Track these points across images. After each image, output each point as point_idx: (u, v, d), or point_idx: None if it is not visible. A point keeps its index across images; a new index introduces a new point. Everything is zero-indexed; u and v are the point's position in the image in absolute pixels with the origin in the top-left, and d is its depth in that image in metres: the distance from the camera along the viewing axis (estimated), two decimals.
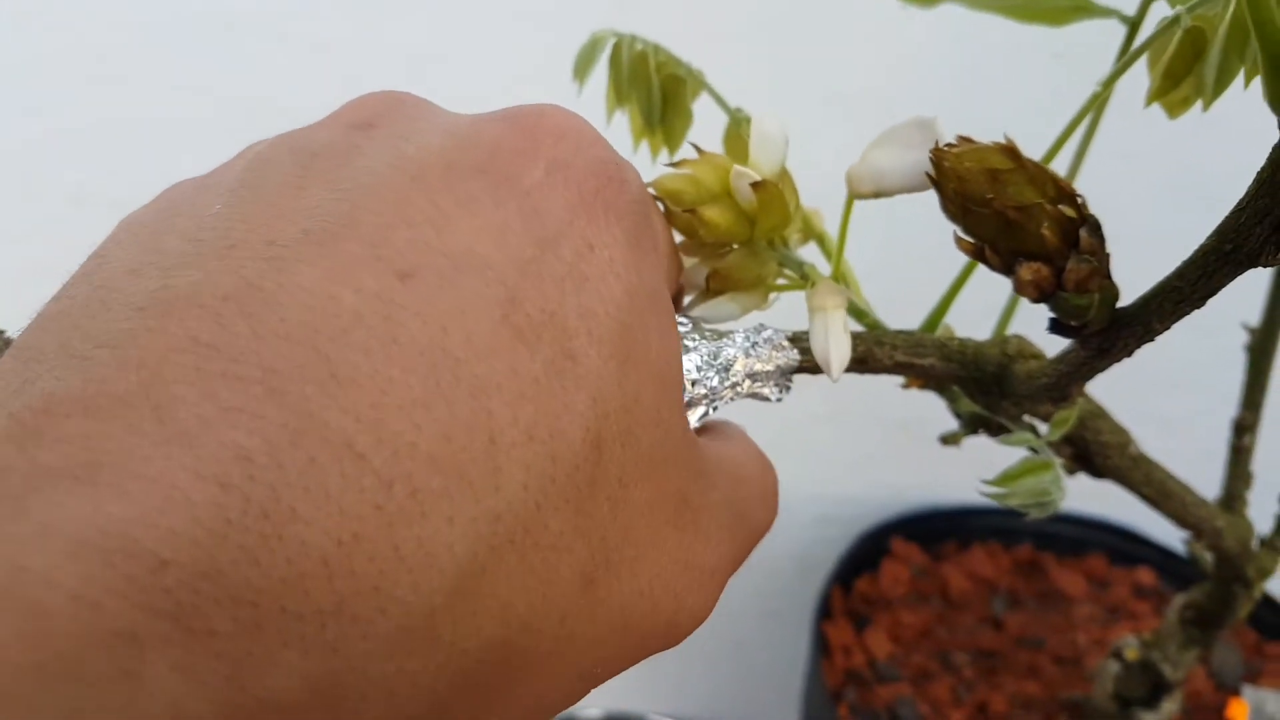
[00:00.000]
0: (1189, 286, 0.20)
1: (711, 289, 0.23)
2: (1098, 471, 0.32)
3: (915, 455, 0.63)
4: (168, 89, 0.48)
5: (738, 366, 0.24)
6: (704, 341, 0.24)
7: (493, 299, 0.14)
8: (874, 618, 0.56)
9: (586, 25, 0.28)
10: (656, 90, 0.27)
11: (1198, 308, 0.20)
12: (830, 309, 0.22)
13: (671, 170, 0.22)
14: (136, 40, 0.48)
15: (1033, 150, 0.21)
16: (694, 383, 0.23)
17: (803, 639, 0.63)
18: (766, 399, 0.25)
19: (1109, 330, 0.22)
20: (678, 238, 0.23)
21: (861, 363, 0.25)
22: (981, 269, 0.24)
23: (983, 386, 0.26)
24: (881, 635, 0.55)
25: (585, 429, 0.15)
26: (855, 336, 0.25)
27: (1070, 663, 0.55)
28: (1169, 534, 0.61)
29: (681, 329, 0.24)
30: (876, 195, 0.22)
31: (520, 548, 0.14)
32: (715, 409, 0.24)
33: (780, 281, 0.24)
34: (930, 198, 0.24)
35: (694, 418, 0.24)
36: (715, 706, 0.71)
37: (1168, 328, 0.21)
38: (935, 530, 0.61)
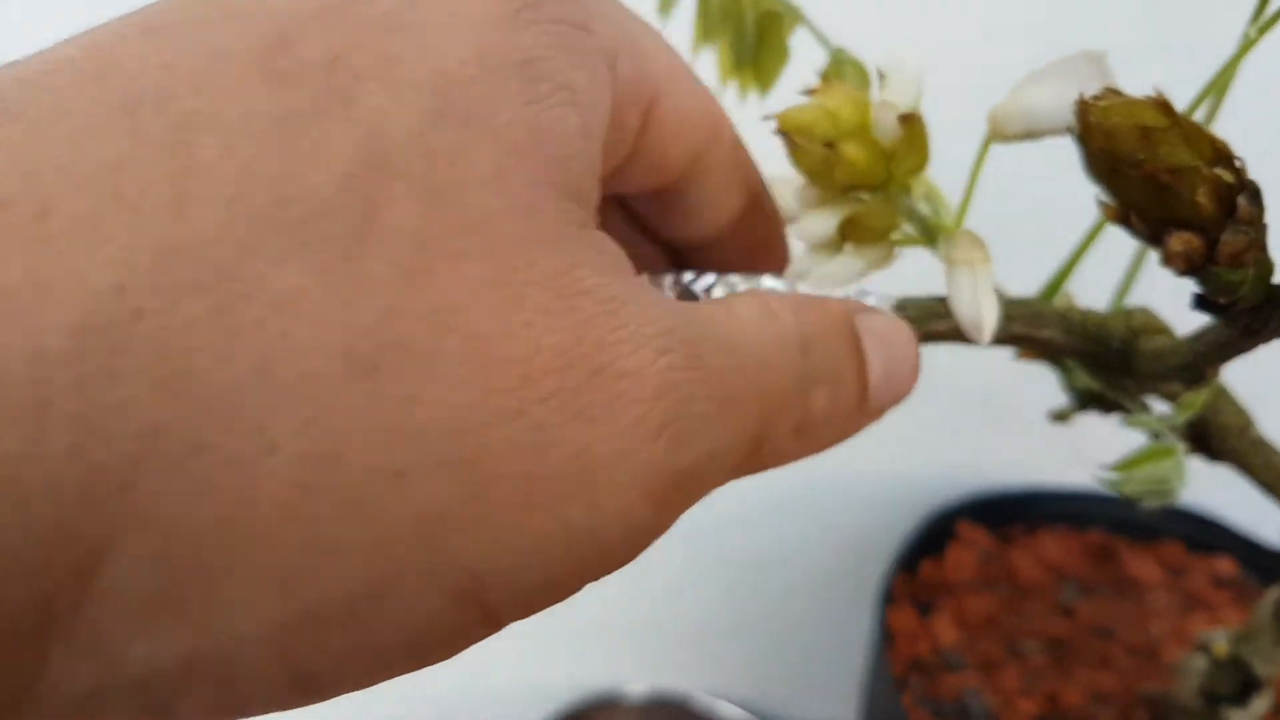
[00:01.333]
0: None
1: (835, 243, 0.21)
2: (1214, 454, 0.29)
3: (986, 434, 0.61)
4: None
5: None
6: None
7: (253, 42, 0.13)
8: (939, 603, 0.54)
9: None
10: (750, 26, 0.25)
11: None
12: (978, 262, 0.20)
13: (799, 102, 0.20)
14: None
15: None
16: None
17: (857, 623, 0.61)
18: None
19: (1261, 308, 0.20)
20: (796, 183, 0.21)
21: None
22: (1108, 232, 0.22)
23: (1104, 363, 0.24)
24: (947, 622, 0.53)
25: (340, 172, 0.12)
26: None
27: (1145, 654, 0.52)
28: (1251, 522, 0.58)
29: (782, 289, 0.22)
30: (1024, 137, 0.19)
31: (213, 295, 0.11)
32: None
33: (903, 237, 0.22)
34: (1043, 149, 0.22)
35: None
36: (763, 689, 0.69)
37: None
38: (1003, 513, 0.59)
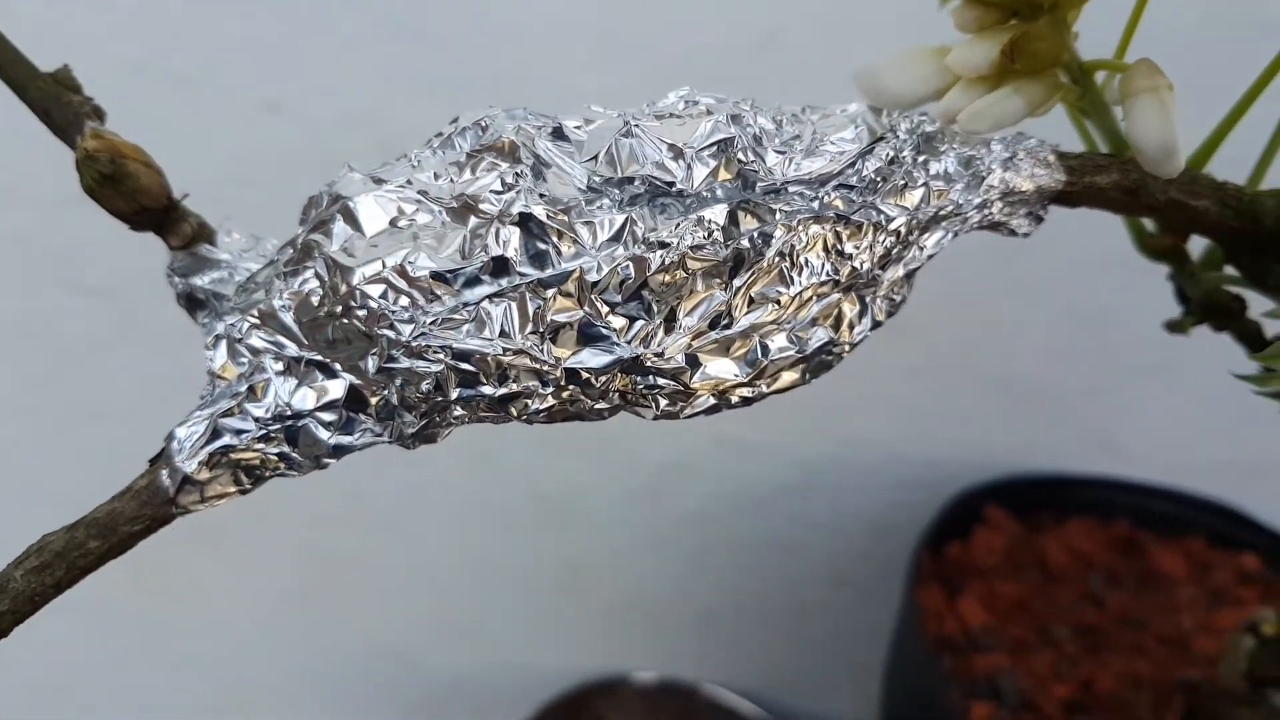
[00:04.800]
0: None
1: (989, 75, 0.19)
2: None
3: (1013, 417, 0.59)
4: None
5: (992, 180, 0.20)
6: (955, 147, 0.21)
7: None
8: (967, 585, 0.53)
9: None
10: None
11: None
12: (1163, 89, 0.18)
13: None
14: None
15: None
16: (939, 194, 0.20)
17: (875, 606, 0.59)
18: (1014, 232, 0.22)
19: None
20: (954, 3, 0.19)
21: (1132, 193, 0.21)
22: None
23: (1256, 244, 0.23)
24: (975, 603, 0.51)
25: None
26: (1125, 161, 0.22)
27: (1176, 644, 0.51)
28: (1276, 517, 0.57)
29: (929, 127, 0.20)
30: None
31: None
32: (956, 234, 0.21)
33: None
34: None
35: (931, 242, 0.20)
36: (774, 676, 0.67)
37: None
38: (1030, 499, 0.58)
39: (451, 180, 0.17)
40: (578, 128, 0.18)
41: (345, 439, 0.18)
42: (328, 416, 0.18)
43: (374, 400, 0.18)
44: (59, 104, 0.22)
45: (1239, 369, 0.23)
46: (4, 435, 0.54)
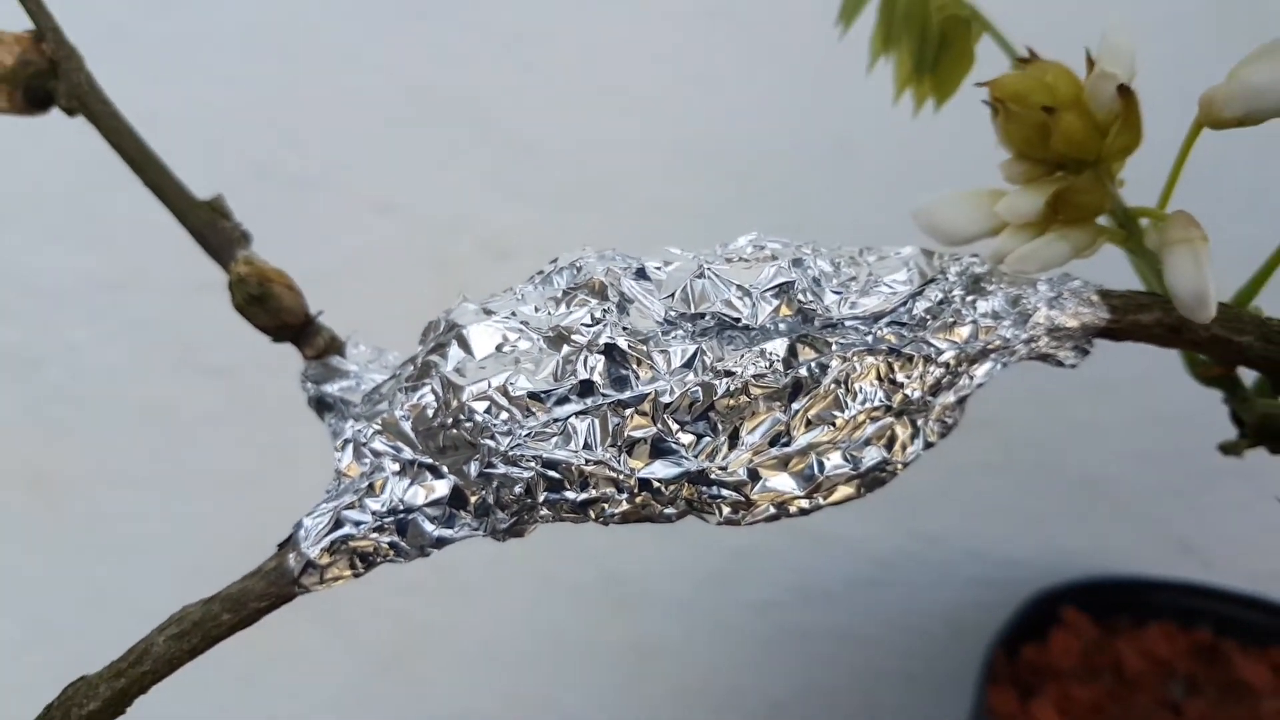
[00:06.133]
0: None
1: (1034, 222, 0.21)
2: None
3: (1092, 519, 0.59)
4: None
5: (1038, 318, 0.22)
6: (1003, 287, 0.23)
7: None
8: (1041, 688, 0.52)
9: None
10: (934, 31, 0.26)
11: None
12: (1197, 240, 0.20)
13: (1012, 72, 0.21)
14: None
15: None
16: (986, 330, 0.22)
17: (947, 706, 0.59)
18: (1061, 364, 0.23)
19: None
20: (1000, 157, 0.21)
21: (1175, 330, 0.23)
22: None
23: None
24: (1049, 707, 0.51)
25: None
26: (1164, 301, 0.23)
27: None
28: None
29: (978, 269, 0.22)
30: (1241, 123, 0.20)
31: None
32: (1005, 365, 0.22)
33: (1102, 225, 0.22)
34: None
35: (981, 372, 0.22)
36: None
37: None
38: (1108, 602, 0.57)
39: (549, 313, 0.20)
40: (658, 268, 0.21)
41: (447, 532, 0.20)
42: (434, 512, 0.20)
43: (473, 499, 0.20)
44: (214, 229, 0.26)
45: None
46: (130, 505, 0.59)
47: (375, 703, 0.66)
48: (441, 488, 0.20)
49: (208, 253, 0.26)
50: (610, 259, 0.21)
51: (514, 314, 0.20)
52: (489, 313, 0.20)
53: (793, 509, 0.21)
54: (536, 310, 0.20)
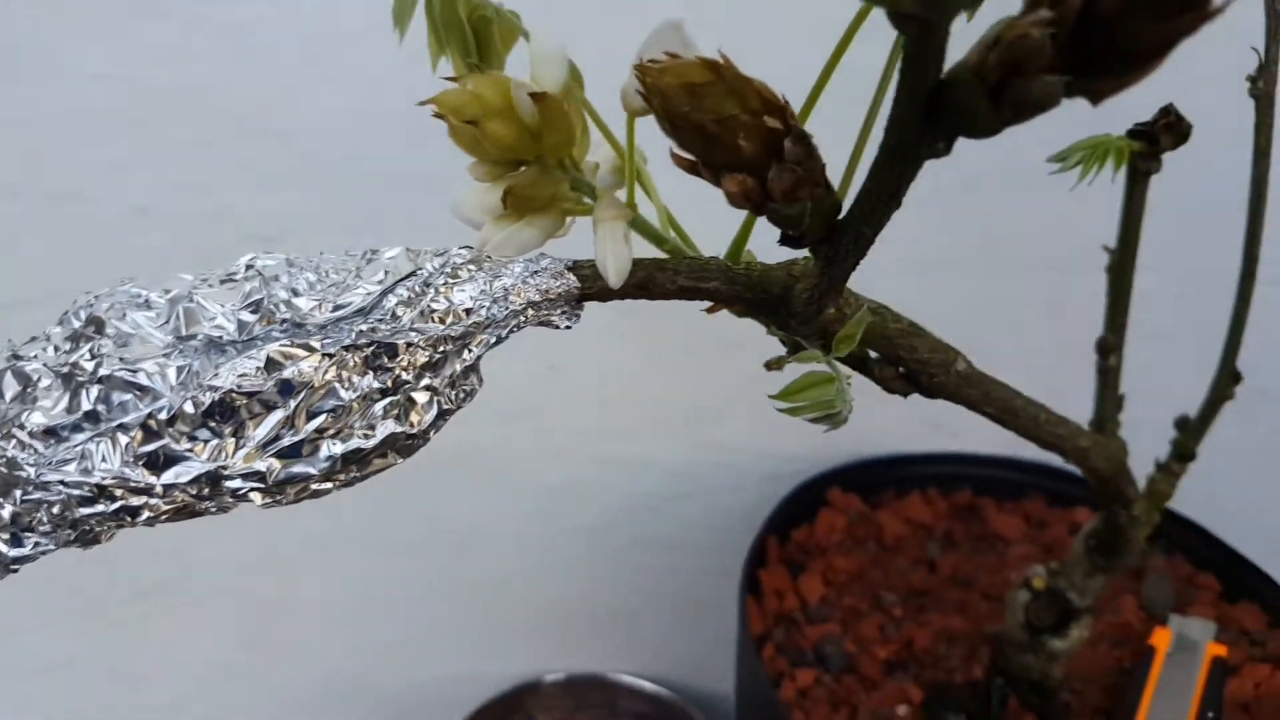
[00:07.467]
0: (879, 186, 0.21)
1: (507, 212, 0.25)
2: (926, 390, 0.33)
3: (859, 407, 0.64)
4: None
5: (515, 296, 0.26)
6: (481, 272, 0.27)
7: None
8: (809, 565, 0.58)
9: None
10: (470, 32, 0.29)
11: (896, 208, 0.22)
12: (609, 219, 0.24)
13: (451, 86, 0.24)
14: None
15: None
16: (468, 311, 0.26)
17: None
18: (558, 326, 0.27)
19: (829, 239, 0.24)
20: (466, 160, 0.25)
21: (643, 288, 0.27)
22: None
23: (769, 308, 0.28)
24: (815, 579, 0.57)
25: None
26: (637, 262, 0.27)
27: (999, 599, 0.56)
28: None
29: (459, 259, 0.26)
30: (647, 112, 0.23)
31: None
32: (501, 338, 0.26)
33: (577, 207, 0.26)
34: None
35: (476, 344, 0.26)
36: (671, 664, 0.73)
37: (877, 231, 0.23)
38: (874, 480, 0.63)
39: (64, 353, 0.24)
40: (158, 298, 0.24)
41: (20, 551, 0.24)
42: (4, 535, 0.24)
43: (30, 521, 0.24)
44: None
45: None
46: None
47: (245, 675, 0.71)
48: (4, 515, 0.24)
49: None
50: (117, 296, 0.24)
51: (36, 356, 0.24)
52: (18, 358, 0.24)
53: (321, 487, 0.25)
54: (55, 351, 0.24)
